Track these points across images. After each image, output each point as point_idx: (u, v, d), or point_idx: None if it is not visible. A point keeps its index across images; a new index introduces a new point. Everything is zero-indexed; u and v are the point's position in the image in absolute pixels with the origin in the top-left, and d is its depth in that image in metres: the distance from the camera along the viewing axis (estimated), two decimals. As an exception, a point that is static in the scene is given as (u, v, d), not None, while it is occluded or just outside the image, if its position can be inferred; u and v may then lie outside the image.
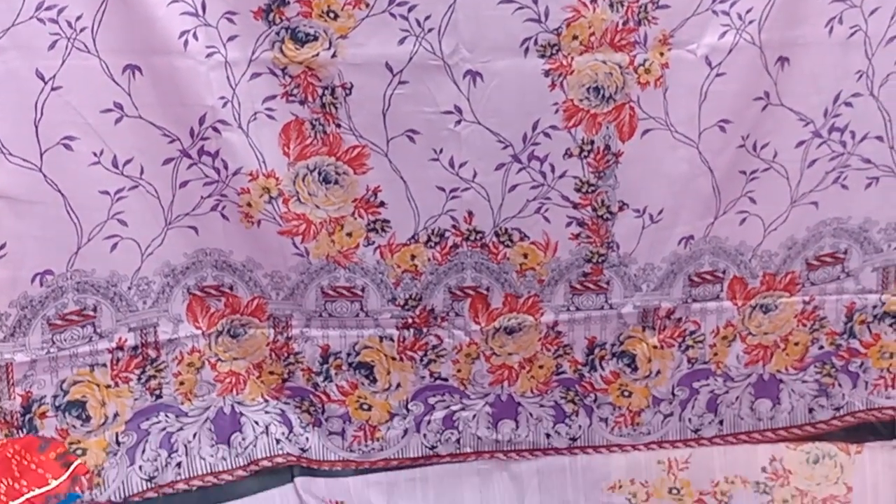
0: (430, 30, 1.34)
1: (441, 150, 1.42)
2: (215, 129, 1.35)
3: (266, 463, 1.55)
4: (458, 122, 1.40)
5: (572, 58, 1.38)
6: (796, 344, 1.61)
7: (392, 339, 1.53)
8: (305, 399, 1.55)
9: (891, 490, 1.62)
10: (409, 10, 1.33)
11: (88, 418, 1.41)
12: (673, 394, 1.61)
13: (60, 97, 1.28)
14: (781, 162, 1.50)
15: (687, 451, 1.64)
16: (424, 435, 1.59)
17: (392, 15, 1.33)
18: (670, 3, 1.38)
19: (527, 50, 1.37)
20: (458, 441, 1.60)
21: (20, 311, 1.33)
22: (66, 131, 1.30)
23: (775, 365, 1.62)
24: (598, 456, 1.63)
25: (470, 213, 1.46)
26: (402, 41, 1.34)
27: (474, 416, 1.59)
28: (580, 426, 1.61)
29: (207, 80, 1.32)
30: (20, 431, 1.35)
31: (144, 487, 1.47)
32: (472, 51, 1.36)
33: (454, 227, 1.47)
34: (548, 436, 1.61)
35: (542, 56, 1.38)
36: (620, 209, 1.48)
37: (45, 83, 1.27)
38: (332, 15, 1.33)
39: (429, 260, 1.49)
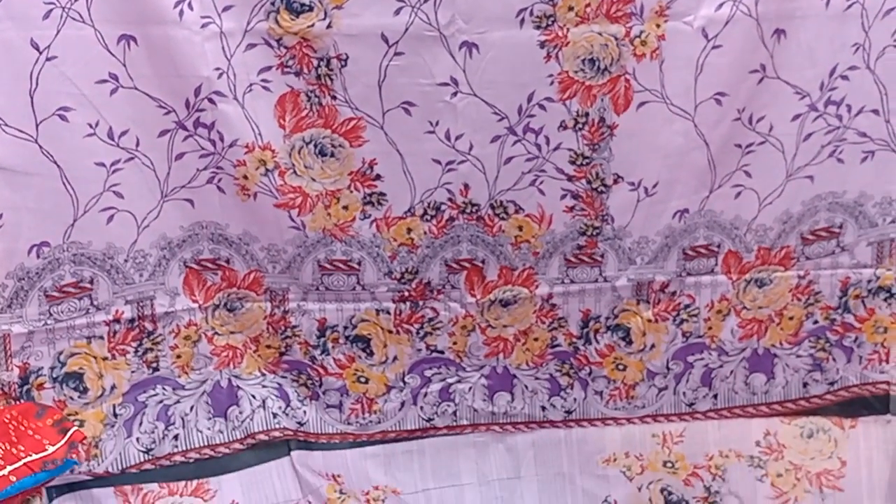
0: (425, 0, 1.31)
1: (437, 123, 1.39)
2: (211, 101, 1.33)
3: (263, 436, 1.54)
4: (454, 93, 1.38)
5: (568, 29, 1.36)
6: (791, 318, 1.59)
7: (388, 313, 1.51)
8: (303, 372, 1.54)
9: (885, 464, 1.60)
10: (405, -21, 1.31)
11: (86, 390, 1.40)
12: (667, 367, 1.59)
13: (55, 67, 1.26)
14: (777, 135, 1.48)
15: (681, 424, 1.62)
16: (421, 407, 1.57)
17: (387, -16, 1.31)
18: (667, -25, 1.36)
19: (522, 21, 1.34)
20: (454, 413, 1.58)
21: (17, 282, 1.31)
22: (61, 102, 1.27)
23: (770, 339, 1.60)
24: (593, 429, 1.61)
25: (466, 186, 1.44)
26: (397, 12, 1.32)
27: (470, 388, 1.57)
28: (575, 399, 1.60)
29: (202, 50, 1.30)
30: (17, 402, 1.33)
31: (141, 459, 1.46)
32: (467, 21, 1.33)
33: (450, 199, 1.45)
34: (543, 408, 1.60)
35: (538, 27, 1.35)
36: (615, 182, 1.46)
37: (40, 53, 1.24)
38: (327, -16, 1.31)
39: (425, 233, 1.47)
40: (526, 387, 1.59)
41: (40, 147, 1.27)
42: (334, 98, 1.37)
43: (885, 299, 1.57)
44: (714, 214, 1.52)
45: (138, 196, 1.37)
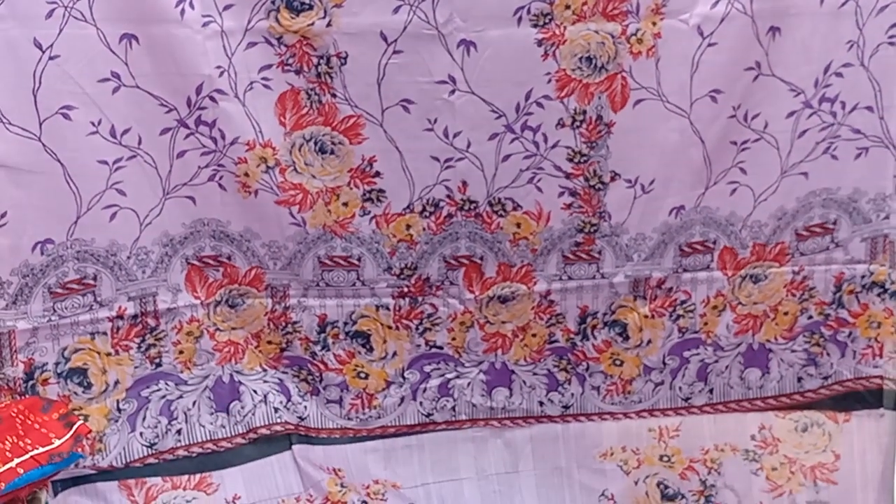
0: (424, -2, 1.32)
1: (435, 120, 1.39)
2: (212, 99, 1.33)
3: (264, 431, 1.53)
4: (452, 91, 1.37)
5: (565, 27, 1.36)
6: (786, 314, 1.59)
7: (388, 308, 1.51)
8: (303, 368, 1.53)
9: (878, 457, 1.60)
10: (404, -22, 1.31)
11: (90, 385, 1.39)
12: (664, 363, 1.59)
13: (58, 66, 1.25)
14: (772, 132, 1.47)
15: (677, 419, 1.62)
16: (420, 402, 1.57)
17: (386, -17, 1.31)
18: (663, -26, 1.36)
19: (520, 19, 1.34)
20: (453, 408, 1.58)
21: (21, 279, 1.31)
22: (64, 101, 1.27)
23: (765, 334, 1.59)
24: (590, 424, 1.61)
25: (464, 183, 1.44)
26: (396, 10, 1.32)
27: (469, 383, 1.57)
28: (573, 394, 1.59)
29: (204, 49, 1.30)
30: (23, 398, 1.33)
31: (145, 454, 1.46)
32: (465, 20, 1.33)
33: (448, 196, 1.45)
34: (541, 403, 1.59)
35: (535, 25, 1.35)
36: (612, 179, 1.45)
37: (43, 52, 1.24)
38: (326, -17, 1.30)
39: (424, 229, 1.46)
40: (524, 382, 1.58)
41: (43, 145, 1.27)
42: (334, 96, 1.37)
43: (879, 295, 1.57)
44: (710, 211, 1.51)
45: (141, 193, 1.36)
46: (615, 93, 1.41)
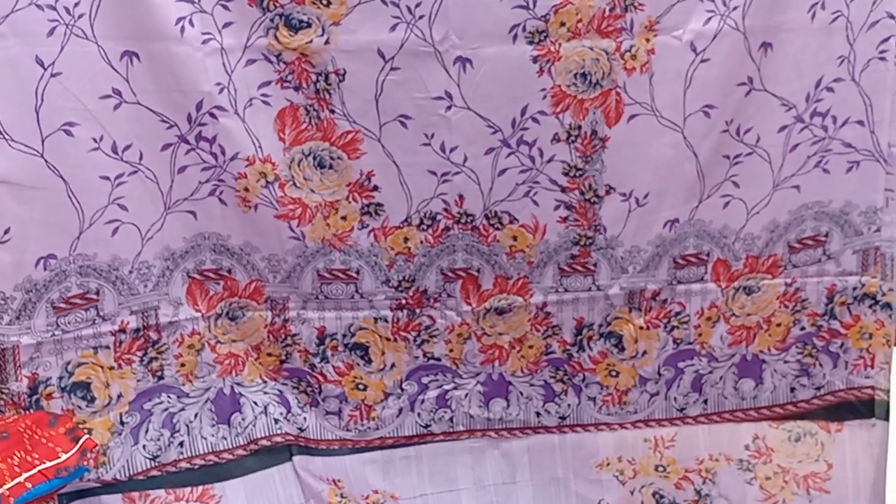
0: (420, 17, 1.32)
1: (432, 135, 1.39)
2: (212, 115, 1.33)
3: (265, 442, 1.53)
4: (449, 107, 1.37)
5: (560, 44, 1.36)
6: (778, 325, 1.59)
7: (386, 321, 1.51)
8: (303, 380, 1.53)
9: (870, 467, 1.60)
10: (401, -4, 1.31)
11: (93, 399, 1.39)
12: (659, 373, 1.59)
13: (60, 83, 1.26)
14: (764, 146, 1.48)
15: (673, 429, 1.62)
16: (418, 414, 1.57)
17: (383, 2, 1.31)
18: (656, -12, 1.36)
19: (515, 36, 1.34)
20: (451, 420, 1.58)
21: (25, 294, 1.31)
22: (66, 117, 1.27)
23: (758, 345, 1.60)
24: (586, 434, 1.60)
25: (461, 197, 1.44)
26: (393, 28, 1.32)
27: (466, 395, 1.57)
28: (569, 405, 1.59)
29: (204, 66, 1.30)
30: (27, 412, 1.33)
31: (148, 466, 1.46)
32: (461, 37, 1.33)
33: (446, 210, 1.45)
34: (538, 414, 1.59)
35: (531, 42, 1.35)
36: (607, 193, 1.46)
37: (45, 69, 1.24)
38: (324, 2, 1.30)
39: (421, 242, 1.46)
40: (521, 393, 1.58)
41: (46, 161, 1.27)
42: (332, 112, 1.37)
43: (870, 306, 1.57)
44: (703, 224, 1.51)
45: (142, 208, 1.36)
46: (610, 108, 1.41)
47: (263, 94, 1.35)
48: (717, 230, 1.52)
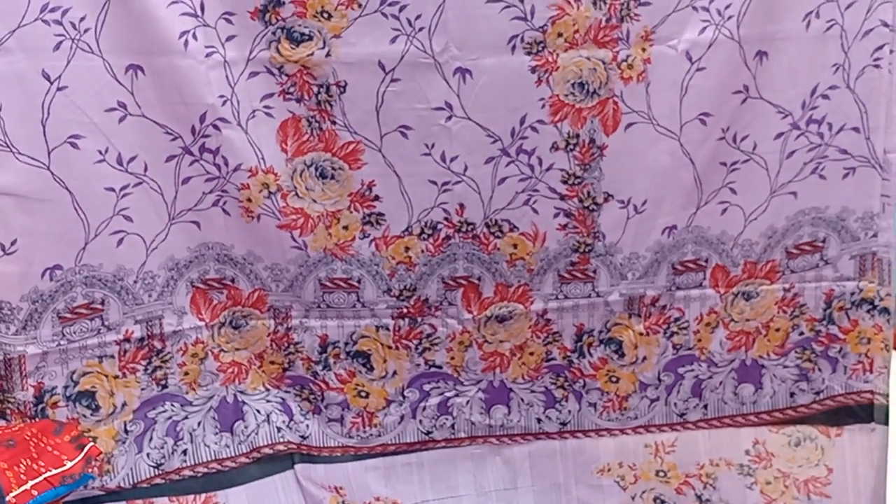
0: (420, 29, 1.36)
1: (433, 145, 1.43)
2: (215, 127, 1.37)
3: (267, 450, 1.56)
4: (449, 117, 1.41)
5: (557, 54, 1.40)
6: (777, 330, 1.62)
7: (388, 329, 1.54)
8: (305, 387, 1.57)
9: (869, 471, 1.62)
10: (401, 9, 1.35)
11: (98, 408, 1.43)
12: (659, 379, 1.62)
13: (66, 97, 1.30)
14: (761, 153, 1.51)
15: (673, 434, 1.65)
16: (420, 421, 1.60)
17: (384, 15, 1.35)
18: (651, 1, 1.40)
19: (514, 47, 1.38)
20: (452, 426, 1.61)
21: (31, 304, 1.34)
22: (72, 130, 1.31)
23: (757, 350, 1.63)
24: (587, 440, 1.63)
25: (461, 206, 1.48)
26: (393, 40, 1.36)
27: (468, 401, 1.60)
28: (570, 411, 1.62)
29: (207, 79, 1.34)
30: (33, 420, 1.36)
31: (152, 474, 1.49)
32: (461, 49, 1.38)
33: (446, 219, 1.48)
34: (539, 420, 1.62)
35: (529, 53, 1.39)
36: (606, 200, 1.49)
37: (51, 83, 1.28)
38: (325, 15, 1.34)
39: (422, 251, 1.50)
40: (522, 400, 1.61)
41: (52, 174, 1.31)
42: (334, 123, 1.41)
43: (868, 311, 1.59)
44: (701, 230, 1.55)
45: (147, 219, 1.40)
46: (607, 117, 1.45)
47: (266, 106, 1.39)
48: (715, 236, 1.56)
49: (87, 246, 1.36)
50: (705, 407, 1.64)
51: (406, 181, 1.45)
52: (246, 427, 1.55)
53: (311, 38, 1.35)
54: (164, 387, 1.48)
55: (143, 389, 1.46)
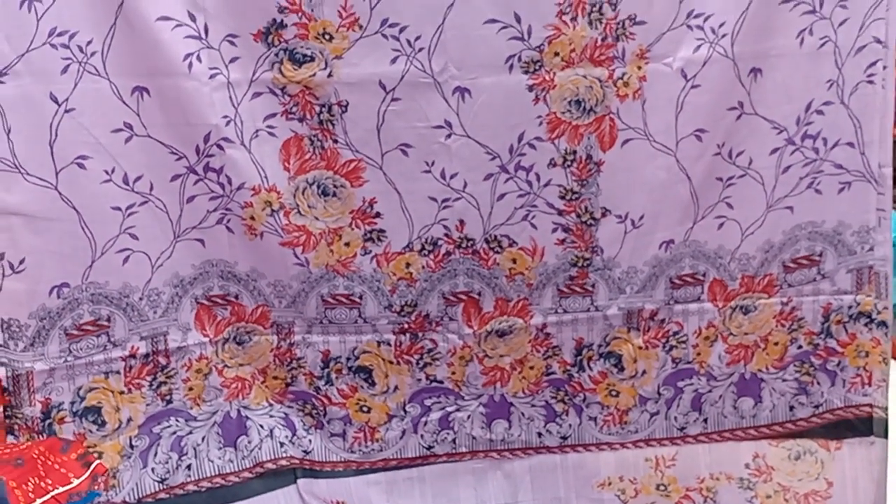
0: (420, 49, 1.41)
1: (433, 163, 1.48)
2: (219, 147, 1.42)
3: (270, 465, 1.60)
4: (449, 135, 1.46)
5: (554, 73, 1.45)
6: (776, 344, 1.66)
7: (389, 344, 1.58)
8: (308, 402, 1.61)
9: (869, 485, 1.65)
10: (401, 30, 1.40)
11: (104, 423, 1.47)
12: (659, 393, 1.65)
13: (73, 119, 1.35)
14: (756, 168, 1.56)
15: (673, 448, 1.68)
16: (421, 435, 1.64)
17: (384, 36, 1.40)
18: (646, 20, 1.45)
19: (511, 66, 1.44)
20: (453, 441, 1.64)
21: (39, 322, 1.39)
22: (79, 151, 1.37)
23: (756, 364, 1.66)
24: (588, 454, 1.67)
25: (461, 222, 1.52)
26: (394, 60, 1.41)
27: (469, 416, 1.64)
28: (570, 425, 1.66)
29: (211, 100, 1.40)
30: (40, 436, 1.41)
31: (156, 489, 1.53)
32: (460, 68, 1.43)
33: (446, 235, 1.53)
34: (539, 435, 1.66)
35: (526, 72, 1.44)
36: (603, 215, 1.54)
37: (59, 106, 1.34)
38: (327, 37, 1.40)
39: (423, 267, 1.54)
40: (522, 414, 1.65)
41: (60, 194, 1.36)
42: (336, 141, 1.46)
43: (866, 324, 1.63)
44: (699, 244, 1.59)
45: (152, 237, 1.45)
46: (604, 133, 1.50)
47: (269, 126, 1.44)
48: (712, 251, 1.60)
49: (93, 264, 1.41)
50: (705, 421, 1.67)
51: (407, 198, 1.50)
52: (249, 442, 1.59)
53: (313, 60, 1.41)
54: (169, 402, 1.53)
55: (148, 405, 1.51)
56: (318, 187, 1.49)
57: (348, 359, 1.59)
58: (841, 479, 1.67)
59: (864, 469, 1.65)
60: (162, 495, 1.53)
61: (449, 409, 1.63)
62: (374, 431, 1.63)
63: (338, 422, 1.62)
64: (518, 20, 1.41)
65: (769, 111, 1.53)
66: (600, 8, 1.43)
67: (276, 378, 1.59)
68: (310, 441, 1.62)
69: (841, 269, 1.63)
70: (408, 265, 1.54)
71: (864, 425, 1.66)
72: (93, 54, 1.34)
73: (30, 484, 1.27)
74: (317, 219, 1.50)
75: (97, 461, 1.34)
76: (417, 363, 1.60)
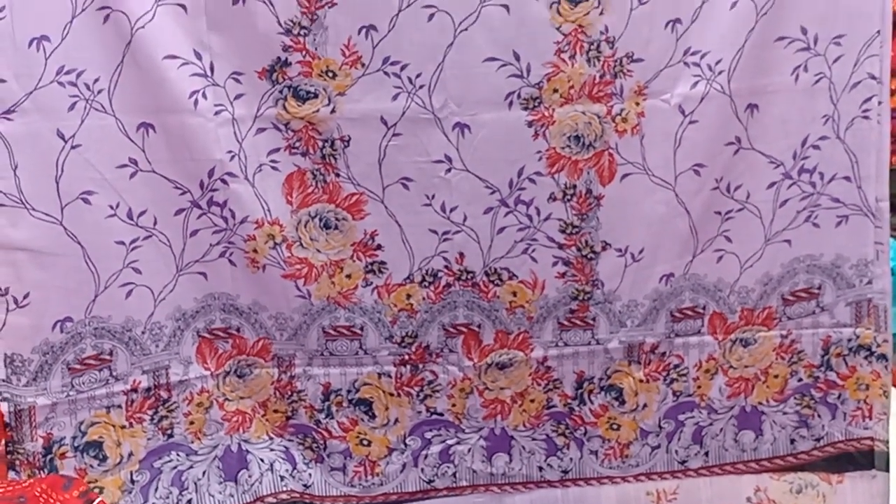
0: (421, 86, 1.46)
1: (433, 196, 1.53)
2: (223, 181, 1.47)
3: (271, 499, 1.63)
4: (449, 170, 1.51)
5: (553, 109, 1.50)
6: (776, 376, 1.69)
7: (390, 376, 1.61)
8: (308, 436, 1.64)
9: (872, 518, 1.68)
10: (402, 68, 1.46)
11: (105, 458, 1.50)
12: (659, 426, 1.68)
13: (80, 155, 1.40)
14: (754, 202, 1.60)
15: (675, 482, 1.70)
16: (422, 469, 1.66)
17: (386, 73, 1.46)
18: (644, 57, 1.50)
19: (511, 103, 1.49)
20: (454, 475, 1.67)
21: (42, 356, 1.43)
22: (84, 186, 1.41)
23: (756, 397, 1.69)
24: (589, 488, 1.69)
25: (461, 255, 1.56)
26: (395, 97, 1.47)
27: (469, 449, 1.66)
28: (571, 459, 1.68)
29: (216, 135, 1.44)
30: (41, 472, 1.44)
31: (156, 524, 1.55)
32: (460, 105, 1.48)
33: (447, 267, 1.57)
34: (540, 469, 1.68)
35: (526, 108, 1.49)
36: (603, 249, 1.58)
37: (66, 142, 1.39)
38: (330, 74, 1.45)
39: (423, 299, 1.58)
40: (523, 447, 1.67)
41: (65, 229, 1.40)
42: (338, 175, 1.51)
43: (866, 357, 1.66)
44: (698, 277, 1.63)
45: (155, 271, 1.49)
46: (603, 168, 1.54)
47: (272, 160, 1.49)
48: (711, 284, 1.64)
49: (97, 298, 1.45)
50: (706, 454, 1.70)
51: (407, 231, 1.54)
52: (250, 476, 1.61)
53: (316, 96, 1.46)
54: (170, 436, 1.55)
55: (149, 439, 1.53)
56: (321, 220, 1.53)
57: (349, 391, 1.62)
58: (843, 513, 1.70)
59: (866, 503, 1.67)
60: (162, 530, 1.56)
61: (449, 442, 1.66)
62: (375, 465, 1.65)
63: (338, 455, 1.64)
64: (517, 58, 1.47)
65: (766, 146, 1.58)
66: (598, 46, 1.48)
67: (276, 411, 1.62)
68: (310, 475, 1.64)
69: (840, 301, 1.66)
70: (408, 296, 1.58)
71: (865, 459, 1.68)
72: (100, 92, 1.39)
73: (32, 522, 1.30)
74: (319, 251, 1.54)
75: (99, 498, 1.36)
76: (418, 395, 1.63)
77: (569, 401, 1.66)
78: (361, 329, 1.59)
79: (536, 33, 1.47)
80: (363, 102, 1.47)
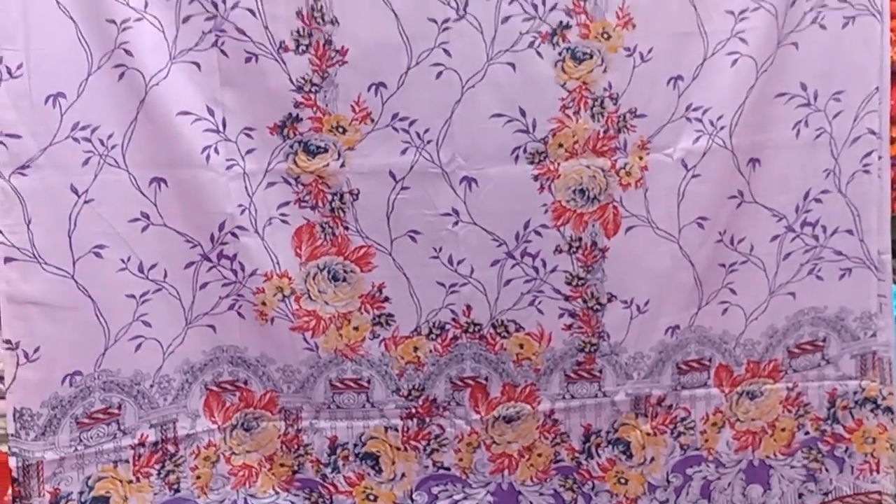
0: (429, 141, 1.52)
1: (440, 249, 1.57)
2: (234, 235, 1.51)
3: (276, 555, 1.64)
4: (456, 223, 1.56)
5: (558, 163, 1.55)
6: (783, 429, 1.71)
7: (397, 430, 1.64)
8: (314, 491, 1.65)
9: (883, 571, 1.69)
10: (410, 124, 1.51)
11: (111, 514, 1.52)
12: (667, 480, 1.70)
13: (92, 209, 1.44)
14: (758, 255, 1.65)
15: (684, 536, 1.72)
16: (429, 524, 1.68)
17: (395, 129, 1.51)
18: (647, 113, 1.56)
19: (517, 157, 1.54)
20: (462, 531, 1.68)
21: (51, 410, 1.45)
22: (96, 240, 1.45)
23: (764, 450, 1.71)
24: (597, 544, 1.70)
25: (468, 307, 1.60)
26: (403, 152, 1.52)
27: (477, 504, 1.68)
28: (580, 513, 1.70)
29: (227, 190, 1.49)
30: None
31: (163, 582, 1.55)
32: (467, 159, 1.53)
33: (454, 319, 1.60)
34: (548, 524, 1.70)
35: (531, 162, 1.55)
36: (609, 301, 1.61)
37: (79, 197, 1.43)
38: (340, 129, 1.50)
39: (430, 351, 1.61)
40: (531, 503, 1.68)
41: (76, 282, 1.44)
42: (346, 228, 1.55)
43: (872, 410, 1.69)
44: (703, 330, 1.66)
45: (165, 324, 1.52)
46: (608, 221, 1.59)
47: (282, 214, 1.53)
48: (717, 336, 1.67)
49: (106, 352, 1.48)
50: (715, 509, 1.72)
51: (415, 283, 1.58)
52: (255, 532, 1.63)
53: (326, 151, 1.51)
54: (177, 491, 1.57)
55: (155, 494, 1.55)
56: (329, 272, 1.57)
57: (355, 445, 1.64)
58: (854, 568, 1.71)
59: (877, 557, 1.70)
60: (167, 587, 1.56)
61: (456, 497, 1.67)
62: (382, 521, 1.67)
63: (344, 511, 1.66)
64: (523, 114, 1.53)
65: (768, 199, 1.63)
66: (602, 102, 1.54)
67: (282, 465, 1.64)
68: (316, 531, 1.66)
69: (845, 354, 1.69)
70: (416, 349, 1.61)
71: (874, 513, 1.70)
72: (113, 147, 1.44)
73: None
74: (327, 303, 1.58)
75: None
76: (424, 449, 1.65)
77: (576, 454, 1.68)
78: (368, 382, 1.62)
79: (542, 90, 1.53)
80: (372, 157, 1.52)
